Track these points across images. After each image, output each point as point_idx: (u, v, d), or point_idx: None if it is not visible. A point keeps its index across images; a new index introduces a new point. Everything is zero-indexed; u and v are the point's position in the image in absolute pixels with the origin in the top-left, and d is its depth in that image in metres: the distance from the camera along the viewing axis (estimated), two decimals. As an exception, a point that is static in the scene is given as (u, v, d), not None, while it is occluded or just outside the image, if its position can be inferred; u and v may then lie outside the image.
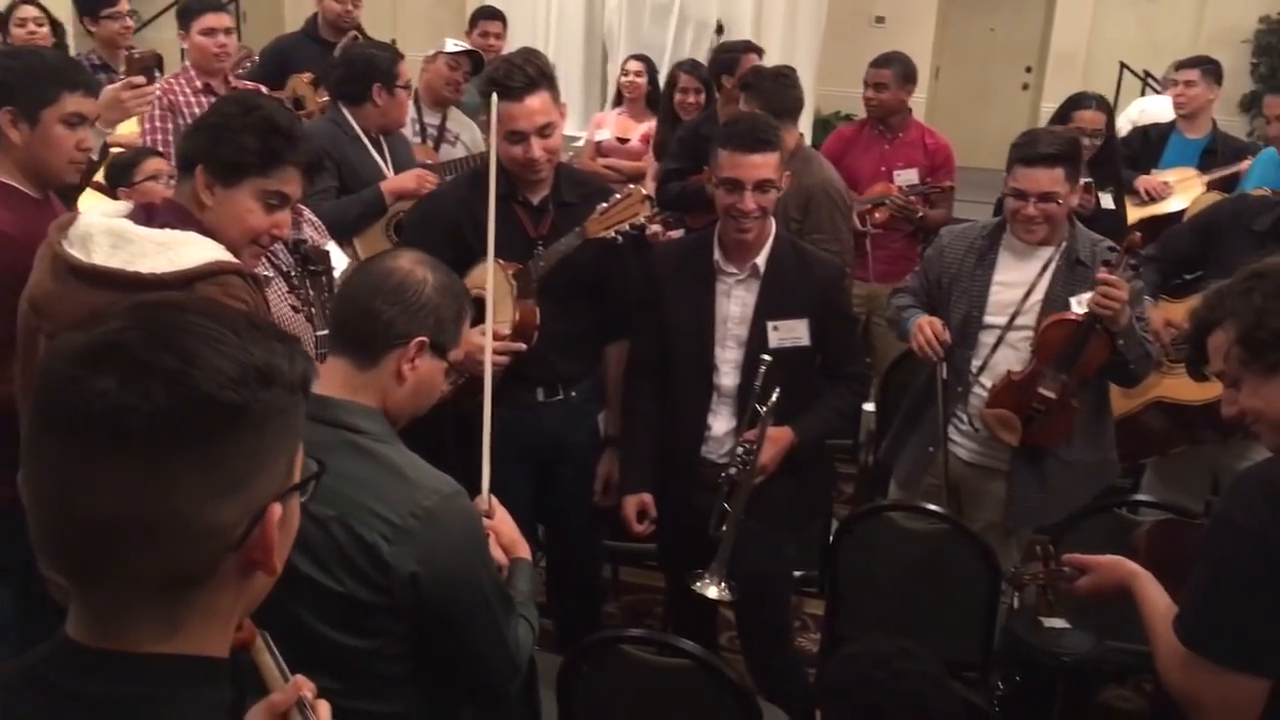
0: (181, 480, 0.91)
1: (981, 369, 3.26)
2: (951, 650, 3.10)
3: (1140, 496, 3.33)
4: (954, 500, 3.38)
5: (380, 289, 1.90)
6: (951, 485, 3.37)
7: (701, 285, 3.04)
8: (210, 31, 4.42)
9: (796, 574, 3.42)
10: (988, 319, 3.25)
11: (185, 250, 2.22)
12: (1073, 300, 3.12)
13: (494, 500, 2.16)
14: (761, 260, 3.00)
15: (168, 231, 2.26)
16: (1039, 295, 3.19)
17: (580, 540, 3.40)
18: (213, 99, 4.17)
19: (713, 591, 2.91)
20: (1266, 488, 1.79)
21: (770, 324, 2.99)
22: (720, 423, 3.07)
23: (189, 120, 4.11)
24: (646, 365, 3.14)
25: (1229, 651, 1.76)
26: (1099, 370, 3.17)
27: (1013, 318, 3.21)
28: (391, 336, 1.88)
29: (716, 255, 3.03)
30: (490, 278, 2.88)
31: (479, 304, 3.13)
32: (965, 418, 3.32)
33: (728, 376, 3.04)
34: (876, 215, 4.93)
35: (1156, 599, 1.96)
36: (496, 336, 3.00)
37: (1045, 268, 3.18)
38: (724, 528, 2.93)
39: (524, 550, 2.07)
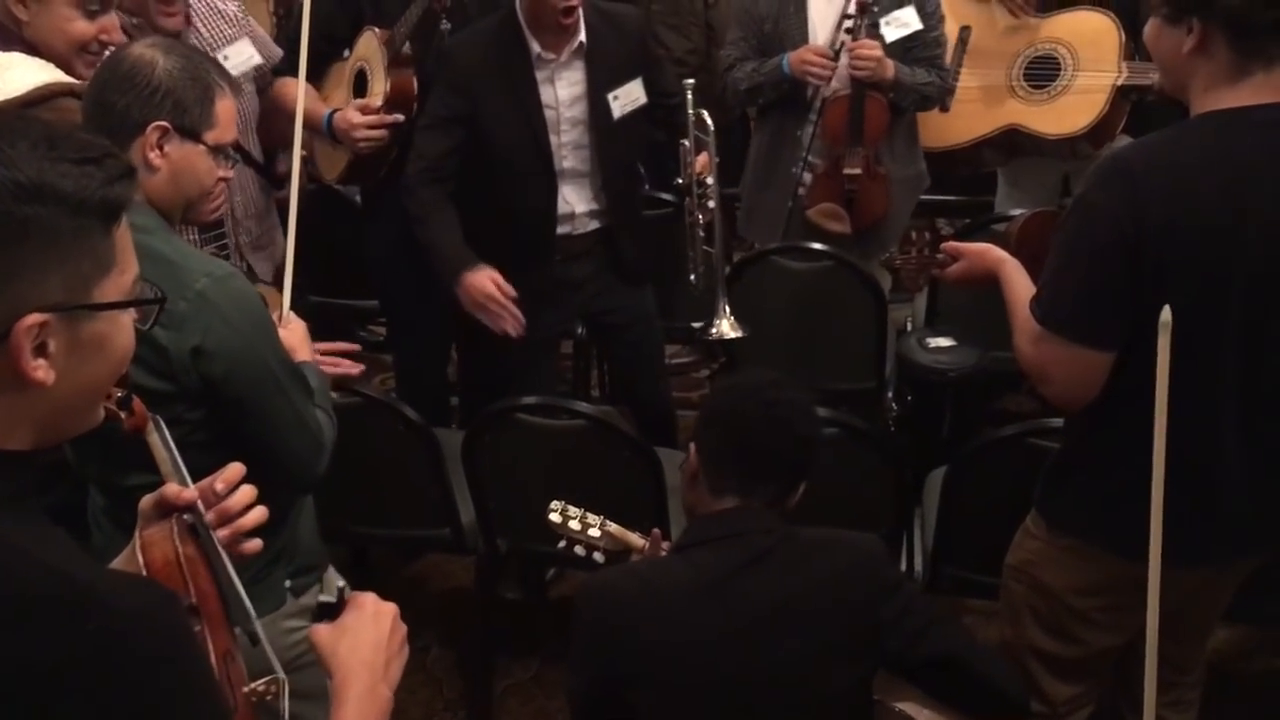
0: None
1: (814, 100, 3.29)
2: (846, 379, 3.25)
3: (1015, 211, 3.40)
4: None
5: (109, 80, 1.82)
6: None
7: (519, 76, 2.88)
8: None
9: (694, 325, 3.50)
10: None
11: (12, 75, 2.14)
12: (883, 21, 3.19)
13: (292, 315, 2.15)
14: (583, 37, 2.89)
15: (-9, 56, 2.17)
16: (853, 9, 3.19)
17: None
18: None
19: (728, 330, 2.95)
20: (1122, 168, 1.81)
21: (610, 96, 2.93)
22: (578, 201, 3.00)
23: None
24: (430, 172, 2.91)
25: (1076, 325, 1.83)
26: (890, 129, 3.29)
27: (839, 47, 3.20)
28: (129, 126, 1.79)
29: (536, 48, 2.87)
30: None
31: (359, 77, 3.06)
32: (810, 158, 3.34)
33: (568, 160, 2.96)
34: None
35: (1020, 283, 2.00)
36: (368, 110, 2.93)
37: None
38: (701, 269, 2.99)
39: (306, 356, 2.06)
